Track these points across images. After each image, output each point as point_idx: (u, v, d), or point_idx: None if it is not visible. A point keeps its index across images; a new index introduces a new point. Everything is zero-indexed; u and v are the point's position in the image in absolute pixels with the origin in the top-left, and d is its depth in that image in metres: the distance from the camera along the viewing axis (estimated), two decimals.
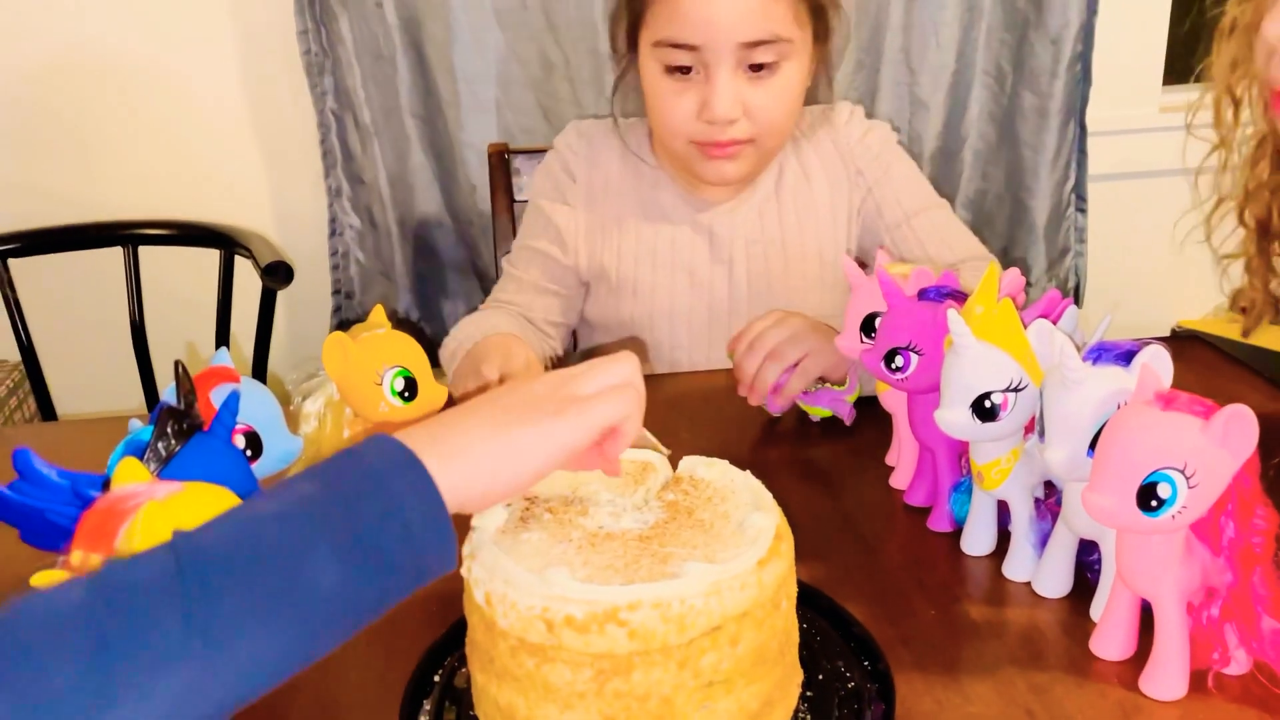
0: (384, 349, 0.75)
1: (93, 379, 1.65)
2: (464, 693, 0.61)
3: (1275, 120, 0.71)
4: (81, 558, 0.52)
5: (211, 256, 1.49)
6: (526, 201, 1.22)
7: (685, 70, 1.02)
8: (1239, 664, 0.61)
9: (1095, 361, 0.63)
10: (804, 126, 1.15)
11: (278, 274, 1.37)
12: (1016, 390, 0.67)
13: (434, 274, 1.66)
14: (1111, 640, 0.64)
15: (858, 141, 1.16)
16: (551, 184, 1.18)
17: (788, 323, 0.94)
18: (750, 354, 0.93)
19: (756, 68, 1.02)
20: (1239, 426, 0.55)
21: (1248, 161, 0.82)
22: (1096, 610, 0.67)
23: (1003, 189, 1.68)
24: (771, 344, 0.92)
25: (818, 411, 0.96)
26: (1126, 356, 0.62)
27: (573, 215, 1.16)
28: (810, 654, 0.63)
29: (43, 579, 0.51)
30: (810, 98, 1.13)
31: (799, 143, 1.16)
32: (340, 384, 0.75)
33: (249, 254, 1.44)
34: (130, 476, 0.55)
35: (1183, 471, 0.55)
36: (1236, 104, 0.80)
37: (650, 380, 1.08)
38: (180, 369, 0.62)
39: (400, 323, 1.58)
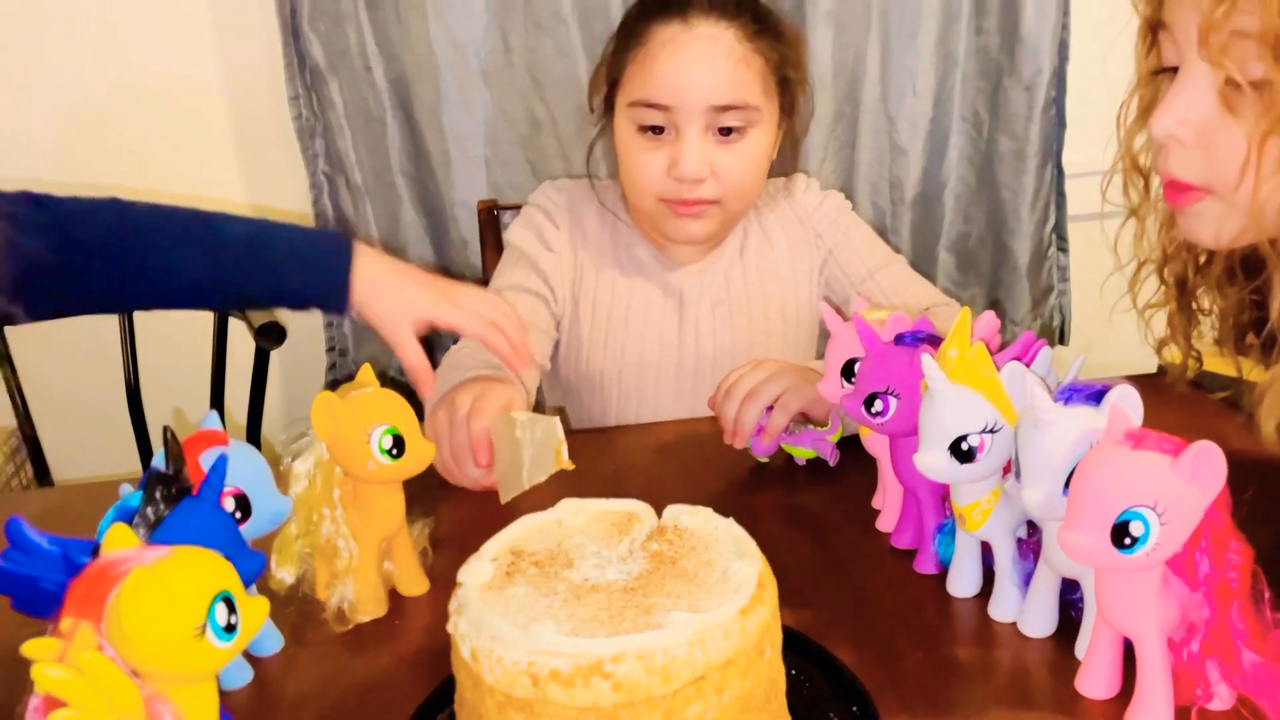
0: (371, 407, 0.76)
1: (89, 443, 1.65)
2: None
3: (1172, 206, 0.74)
4: (72, 624, 0.53)
5: (205, 319, 1.51)
6: None
7: (658, 130, 1.07)
8: (1222, 699, 0.61)
9: (1066, 402, 0.64)
10: (766, 196, 1.21)
11: (270, 334, 1.38)
12: (992, 432, 0.68)
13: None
14: (1096, 678, 0.64)
15: (815, 209, 1.23)
16: (534, 233, 1.20)
17: (763, 365, 0.97)
18: (729, 398, 0.95)
19: (725, 132, 1.07)
20: (1207, 463, 0.56)
21: (1165, 224, 0.84)
22: (1081, 649, 0.67)
23: (984, 231, 1.70)
24: (749, 386, 0.95)
25: (802, 453, 0.97)
26: (1097, 396, 0.63)
27: (558, 262, 1.19)
28: (798, 700, 0.63)
29: (34, 648, 0.52)
30: (776, 171, 1.19)
31: (761, 211, 1.22)
32: (329, 443, 0.76)
33: (242, 315, 1.45)
34: (119, 542, 0.55)
35: (1154, 509, 0.56)
36: (1145, 176, 0.83)
37: (635, 429, 1.11)
38: (168, 435, 0.63)
39: (391, 382, 1.58)
